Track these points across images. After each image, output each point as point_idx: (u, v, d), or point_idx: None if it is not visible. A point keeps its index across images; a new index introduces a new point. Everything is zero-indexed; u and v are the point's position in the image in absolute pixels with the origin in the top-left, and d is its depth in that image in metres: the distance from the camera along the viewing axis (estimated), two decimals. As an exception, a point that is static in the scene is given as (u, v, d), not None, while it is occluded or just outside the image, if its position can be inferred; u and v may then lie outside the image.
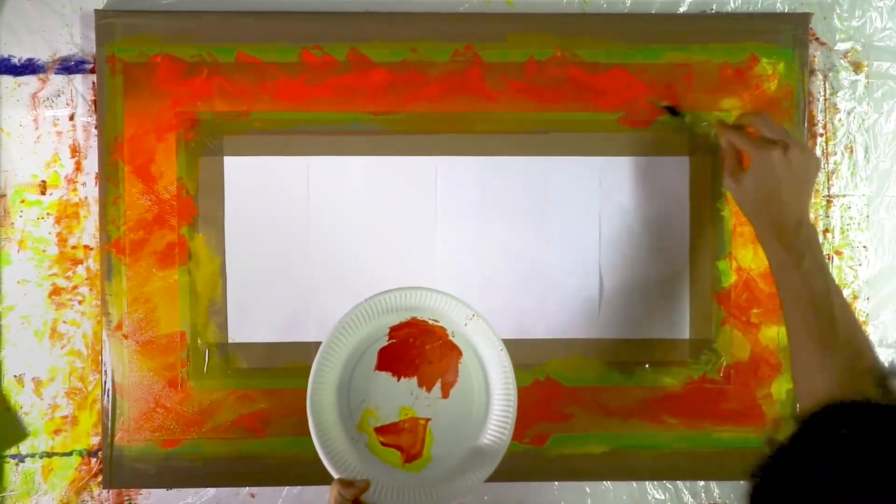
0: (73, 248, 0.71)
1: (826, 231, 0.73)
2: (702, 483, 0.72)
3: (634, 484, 0.72)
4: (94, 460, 0.71)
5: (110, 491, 0.71)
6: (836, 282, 0.62)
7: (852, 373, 0.54)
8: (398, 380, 0.67)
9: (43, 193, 0.71)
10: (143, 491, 0.71)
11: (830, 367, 0.55)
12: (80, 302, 0.71)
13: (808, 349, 0.57)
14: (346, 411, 0.66)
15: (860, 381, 0.53)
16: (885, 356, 0.73)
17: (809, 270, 0.58)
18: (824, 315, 0.56)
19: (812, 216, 0.72)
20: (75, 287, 0.71)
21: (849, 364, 0.54)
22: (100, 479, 0.70)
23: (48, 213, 0.71)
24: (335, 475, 0.61)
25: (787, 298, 0.60)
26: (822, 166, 0.73)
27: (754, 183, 0.61)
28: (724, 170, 0.65)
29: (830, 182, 0.73)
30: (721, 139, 0.66)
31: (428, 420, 0.67)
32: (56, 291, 0.71)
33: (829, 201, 0.73)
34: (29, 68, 0.70)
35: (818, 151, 0.73)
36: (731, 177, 0.64)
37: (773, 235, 0.60)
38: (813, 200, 0.73)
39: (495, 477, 0.61)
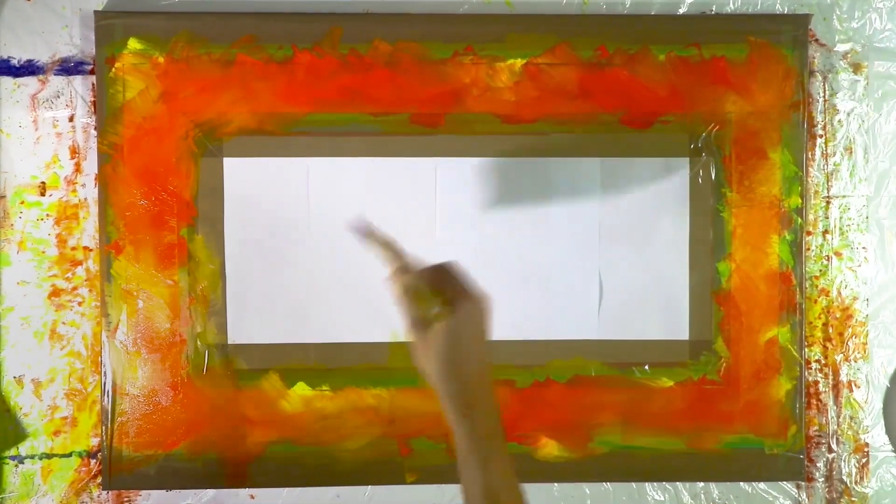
0: (73, 249, 0.71)
1: (825, 232, 0.73)
2: (702, 484, 0.72)
3: (634, 485, 0.72)
4: (93, 461, 0.71)
5: (110, 492, 0.70)
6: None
7: None
8: None
9: (42, 195, 0.71)
10: (143, 492, 0.71)
11: None
12: (79, 303, 0.71)
13: None
14: None
15: None
16: (884, 356, 0.73)
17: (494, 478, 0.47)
18: None
19: (812, 215, 0.73)
20: (75, 288, 0.71)
21: None
22: (99, 480, 0.70)
23: (48, 215, 0.71)
24: None
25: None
26: (822, 168, 0.73)
27: (452, 337, 0.48)
28: (408, 320, 0.51)
29: (830, 183, 0.73)
30: (402, 285, 0.53)
31: None
32: (56, 292, 0.71)
33: (828, 202, 0.73)
34: (28, 69, 0.70)
35: (818, 153, 0.73)
36: (420, 327, 0.50)
37: (463, 411, 0.48)
38: (814, 202, 0.73)
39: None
